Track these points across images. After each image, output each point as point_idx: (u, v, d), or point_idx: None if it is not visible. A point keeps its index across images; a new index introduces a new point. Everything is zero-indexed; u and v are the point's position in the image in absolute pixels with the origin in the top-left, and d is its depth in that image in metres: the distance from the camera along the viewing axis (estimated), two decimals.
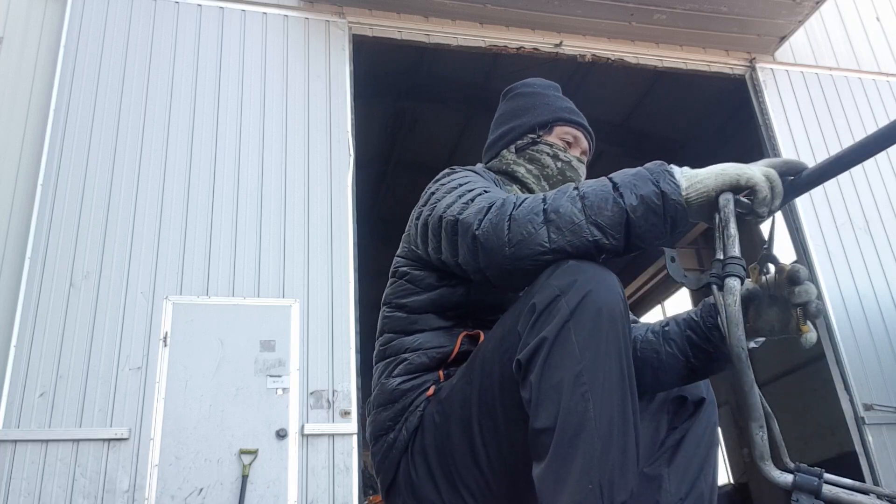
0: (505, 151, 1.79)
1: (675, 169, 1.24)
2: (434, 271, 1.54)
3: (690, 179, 1.21)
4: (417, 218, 1.55)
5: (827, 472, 1.10)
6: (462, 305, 1.53)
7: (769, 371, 10.16)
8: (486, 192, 1.41)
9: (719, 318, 1.16)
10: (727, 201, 1.18)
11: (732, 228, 1.16)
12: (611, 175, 1.27)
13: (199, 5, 5.65)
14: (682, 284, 1.23)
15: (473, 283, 1.51)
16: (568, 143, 1.78)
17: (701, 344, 1.46)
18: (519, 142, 1.77)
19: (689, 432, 1.48)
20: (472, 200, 1.38)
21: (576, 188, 1.27)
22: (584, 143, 1.80)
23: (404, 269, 1.60)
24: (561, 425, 1.11)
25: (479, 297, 1.53)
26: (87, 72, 5.21)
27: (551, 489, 1.11)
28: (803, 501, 1.07)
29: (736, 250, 1.16)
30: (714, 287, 1.17)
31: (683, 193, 1.20)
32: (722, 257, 1.16)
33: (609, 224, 1.20)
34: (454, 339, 1.51)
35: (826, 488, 1.07)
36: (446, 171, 1.66)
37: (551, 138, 1.77)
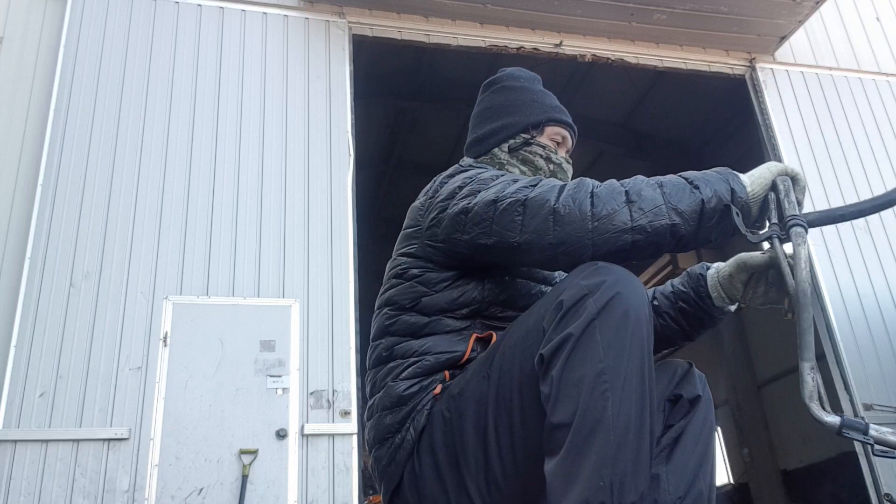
0: (497, 150, 1.78)
1: (740, 174, 1.34)
2: (451, 270, 1.53)
3: (751, 178, 1.32)
4: (443, 210, 1.52)
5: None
6: (475, 302, 1.53)
7: (769, 371, 10.16)
8: (540, 180, 1.46)
9: (781, 265, 1.30)
10: (784, 180, 1.35)
11: (793, 196, 1.33)
12: (680, 173, 1.35)
13: (199, 5, 5.65)
14: (745, 237, 1.33)
15: (487, 279, 1.53)
16: (557, 143, 1.79)
17: (695, 313, 1.60)
18: (512, 141, 1.77)
19: (686, 430, 1.47)
20: (535, 185, 1.41)
21: (651, 179, 1.33)
22: (570, 143, 1.83)
23: (415, 271, 1.56)
24: (578, 421, 1.12)
25: (493, 293, 1.53)
26: (87, 72, 5.20)
27: (562, 484, 1.12)
28: (854, 436, 1.13)
29: (799, 213, 1.31)
30: (776, 240, 1.31)
31: (748, 191, 1.30)
32: (778, 220, 1.30)
33: (687, 211, 1.27)
34: (465, 342, 1.50)
35: (873, 428, 1.13)
36: (456, 167, 1.66)
37: (543, 139, 1.77)
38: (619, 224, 1.27)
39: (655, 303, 1.63)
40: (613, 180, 1.35)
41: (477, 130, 1.85)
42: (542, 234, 1.33)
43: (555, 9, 6.11)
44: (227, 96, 5.39)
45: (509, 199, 1.39)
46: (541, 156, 1.75)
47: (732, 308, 1.59)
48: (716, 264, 1.61)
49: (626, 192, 1.30)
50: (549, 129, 1.78)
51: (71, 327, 4.47)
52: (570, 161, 1.82)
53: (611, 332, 1.16)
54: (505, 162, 1.75)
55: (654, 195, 1.28)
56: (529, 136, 1.76)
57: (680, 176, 1.33)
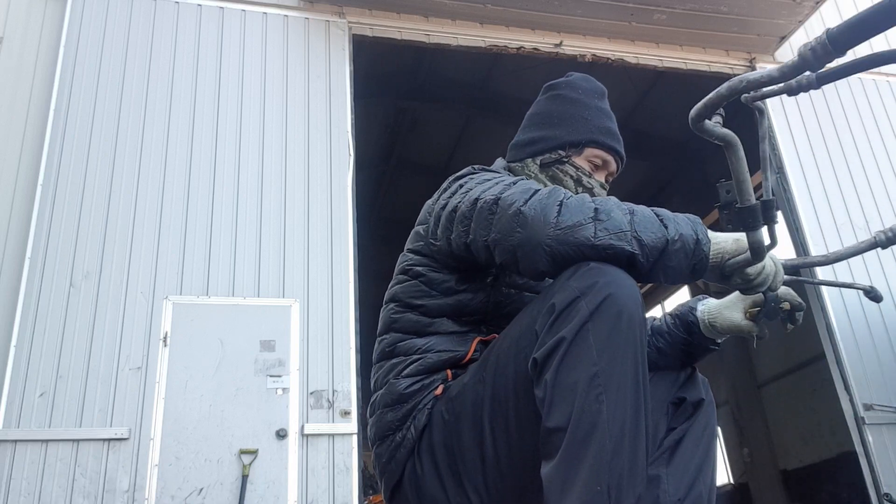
0: (530, 161, 1.74)
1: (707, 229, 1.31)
2: (454, 273, 1.53)
3: (713, 240, 1.28)
4: (442, 208, 1.53)
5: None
6: (480, 311, 1.53)
7: (769, 371, 10.17)
8: (521, 179, 1.44)
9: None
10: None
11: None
12: (652, 208, 1.32)
13: (199, 5, 5.65)
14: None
15: (493, 289, 1.52)
16: (596, 165, 1.72)
17: (683, 343, 1.65)
18: (546, 156, 1.72)
19: (688, 433, 1.48)
20: (515, 184, 1.39)
21: (623, 204, 1.31)
22: (613, 167, 1.75)
23: (420, 269, 1.56)
24: (573, 426, 1.12)
25: (498, 304, 1.53)
26: (87, 72, 5.20)
27: (559, 489, 1.12)
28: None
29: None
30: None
31: (712, 245, 1.26)
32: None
33: (649, 244, 1.23)
34: (468, 343, 1.50)
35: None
36: (469, 168, 1.65)
37: (579, 160, 1.71)
38: (581, 238, 1.24)
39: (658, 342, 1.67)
40: (586, 195, 1.32)
41: (520, 134, 1.81)
42: (507, 234, 1.32)
43: (555, 9, 6.11)
44: (227, 96, 5.39)
45: (486, 198, 1.38)
46: (571, 176, 1.69)
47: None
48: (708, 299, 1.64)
49: (596, 208, 1.26)
50: (589, 151, 1.71)
51: (71, 327, 4.47)
52: (607, 187, 1.75)
53: (604, 334, 1.15)
54: (534, 175, 1.72)
55: (621, 219, 1.25)
56: (565, 155, 1.71)
57: (652, 209, 1.30)
